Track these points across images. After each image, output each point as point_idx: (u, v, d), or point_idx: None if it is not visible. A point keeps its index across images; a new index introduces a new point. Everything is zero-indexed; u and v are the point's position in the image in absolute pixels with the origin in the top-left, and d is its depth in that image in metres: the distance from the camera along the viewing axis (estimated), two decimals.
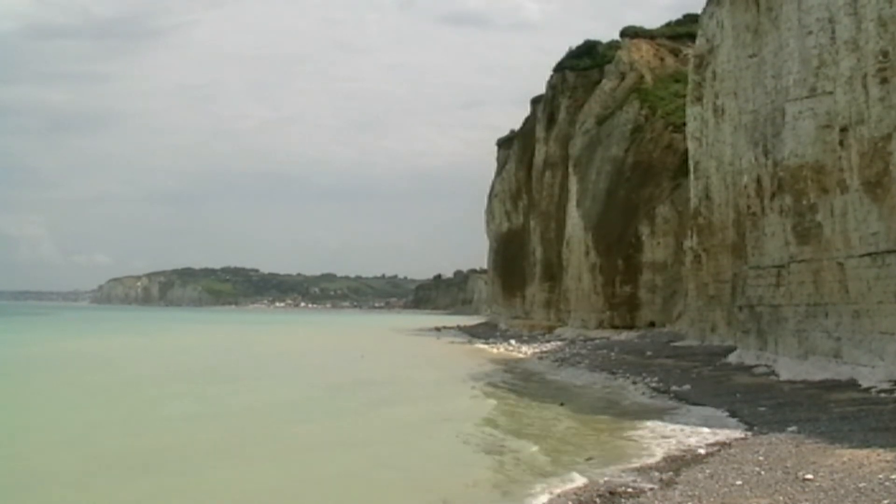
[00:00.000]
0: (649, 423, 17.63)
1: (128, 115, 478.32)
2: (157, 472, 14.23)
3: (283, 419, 20.42)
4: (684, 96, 39.66)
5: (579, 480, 12.51)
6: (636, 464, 13.54)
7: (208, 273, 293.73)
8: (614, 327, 47.52)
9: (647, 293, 46.94)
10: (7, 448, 16.37)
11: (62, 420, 20.36)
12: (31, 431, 18.62)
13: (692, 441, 15.24)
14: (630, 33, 58.29)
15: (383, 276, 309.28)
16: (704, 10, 36.13)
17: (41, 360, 40.21)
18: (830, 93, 21.89)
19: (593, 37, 68.32)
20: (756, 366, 25.12)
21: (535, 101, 72.45)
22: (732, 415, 17.81)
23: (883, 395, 17.69)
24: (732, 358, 27.70)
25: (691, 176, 37.24)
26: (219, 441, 17.21)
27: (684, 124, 39.39)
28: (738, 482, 10.92)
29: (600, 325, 49.10)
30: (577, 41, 67.74)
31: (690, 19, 50.75)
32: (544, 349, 44.06)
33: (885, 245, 19.66)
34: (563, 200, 59.18)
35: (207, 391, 26.83)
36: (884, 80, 19.71)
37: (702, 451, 13.98)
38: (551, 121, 64.88)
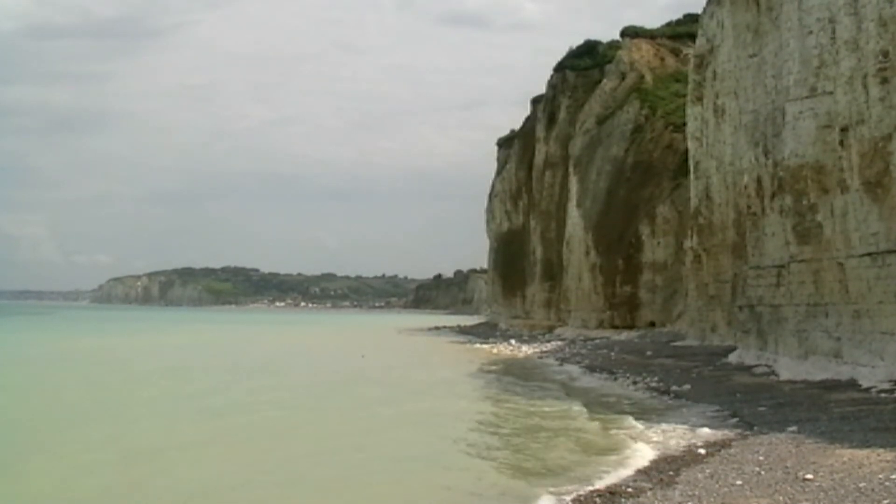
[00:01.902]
0: (649, 423, 17.61)
1: (128, 115, 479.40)
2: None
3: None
4: (684, 96, 39.65)
5: (579, 480, 12.52)
6: (636, 463, 13.54)
7: (208, 273, 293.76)
8: (614, 327, 47.52)
9: (648, 293, 46.92)
10: (151, 453, 15.67)
11: (173, 423, 19.74)
12: (148, 437, 17.65)
13: (692, 441, 15.22)
14: (630, 33, 58.31)
15: (383, 276, 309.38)
16: (705, 9, 36.10)
17: (73, 360, 40.21)
18: (831, 93, 21.88)
19: (593, 37, 68.32)
20: (756, 366, 25.12)
21: (536, 101, 72.42)
22: (732, 415, 17.79)
23: (883, 395, 17.69)
24: (732, 358, 27.69)
25: (691, 176, 37.23)
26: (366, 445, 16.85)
27: (685, 124, 39.38)
28: (738, 482, 10.92)
29: (600, 325, 49.11)
30: (576, 41, 67.77)
31: (691, 19, 50.74)
32: (544, 349, 44.07)
33: (886, 245, 19.66)
34: (563, 200, 59.17)
35: (292, 397, 26.06)
36: (884, 80, 19.70)
37: (702, 451, 13.96)
38: (552, 120, 64.87)
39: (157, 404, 22.99)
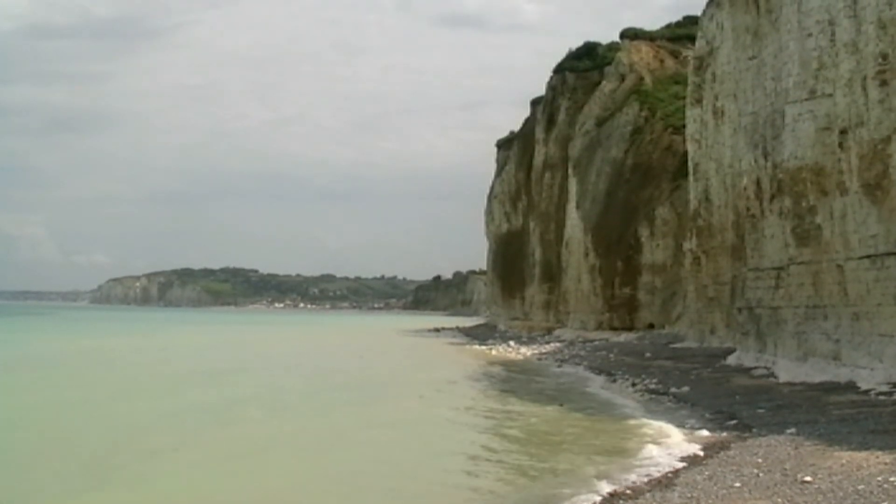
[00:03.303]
0: (648, 425, 17.62)
1: (128, 115, 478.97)
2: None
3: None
4: (684, 98, 39.68)
5: (578, 481, 12.51)
6: (635, 465, 13.53)
7: (207, 273, 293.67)
8: (613, 329, 47.52)
9: (647, 295, 46.93)
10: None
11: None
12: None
13: (691, 442, 15.23)
14: (630, 35, 58.37)
15: (382, 277, 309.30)
16: (704, 11, 36.14)
17: (102, 362, 40.03)
18: (830, 95, 21.89)
19: (591, 38, 68.23)
20: (755, 368, 25.12)
21: (535, 103, 72.46)
22: (731, 416, 17.77)
23: (882, 397, 17.69)
24: (731, 360, 27.68)
25: (691, 178, 37.24)
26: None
27: (684, 126, 39.41)
28: (737, 484, 10.92)
29: (599, 327, 49.11)
30: (574, 43, 68.06)
31: (690, 21, 50.79)
32: (543, 350, 44.04)
33: (885, 247, 19.67)
34: (562, 202, 59.20)
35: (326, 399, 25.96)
36: (883, 83, 19.72)
37: (700, 453, 13.97)
38: (551, 122, 64.90)
39: (219, 408, 22.57)
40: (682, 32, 55.38)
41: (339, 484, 13.39)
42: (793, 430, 14.73)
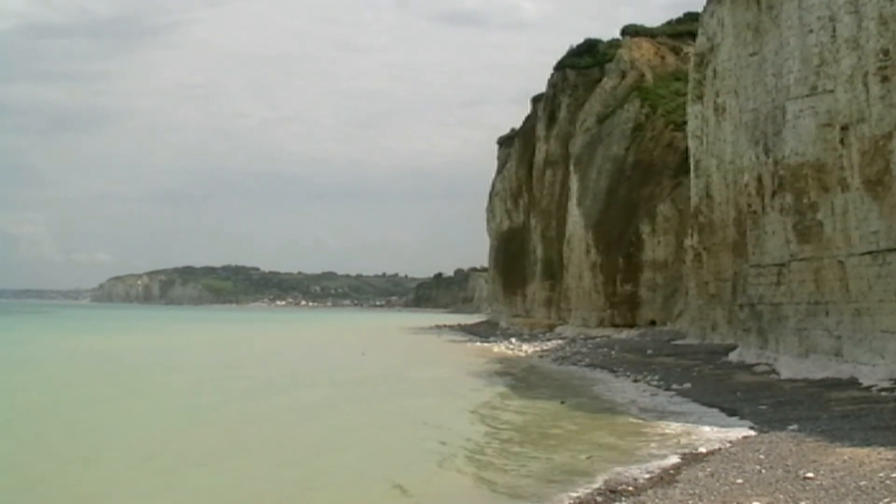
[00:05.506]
0: (649, 422, 17.64)
1: (127, 114, 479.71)
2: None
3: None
4: (685, 95, 39.67)
5: (579, 479, 12.52)
6: (636, 462, 13.54)
7: (209, 271, 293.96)
8: (615, 326, 47.52)
9: (648, 292, 46.94)
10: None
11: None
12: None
13: (692, 439, 15.24)
14: (631, 31, 58.34)
15: (384, 275, 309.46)
16: (705, 8, 36.14)
17: (130, 362, 39.78)
18: (831, 91, 21.87)
19: (590, 36, 68.12)
20: (757, 364, 25.12)
21: (536, 100, 72.42)
22: (733, 413, 17.80)
23: (884, 393, 17.69)
24: (733, 356, 27.69)
25: (692, 174, 37.23)
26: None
27: (685, 123, 39.40)
28: (739, 481, 10.92)
29: (601, 324, 49.10)
30: (573, 40, 67.94)
31: (691, 17, 50.74)
32: (545, 347, 44.04)
33: (886, 243, 19.66)
34: (563, 199, 59.17)
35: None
36: (884, 79, 19.70)
37: (702, 450, 13.98)
38: (552, 119, 64.86)
39: (310, 410, 22.34)
40: (682, 29, 55.38)
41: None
42: (794, 426, 14.75)
